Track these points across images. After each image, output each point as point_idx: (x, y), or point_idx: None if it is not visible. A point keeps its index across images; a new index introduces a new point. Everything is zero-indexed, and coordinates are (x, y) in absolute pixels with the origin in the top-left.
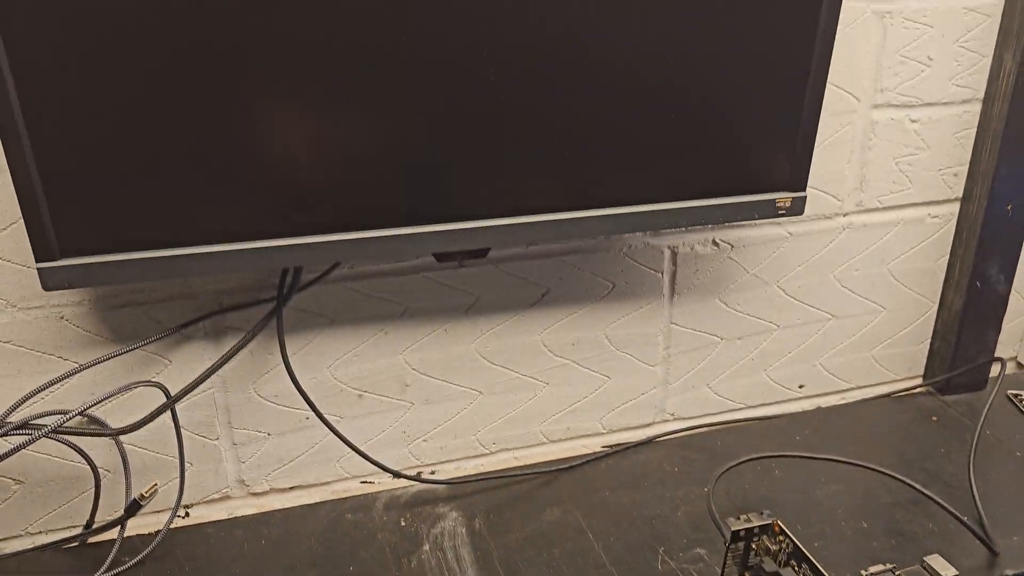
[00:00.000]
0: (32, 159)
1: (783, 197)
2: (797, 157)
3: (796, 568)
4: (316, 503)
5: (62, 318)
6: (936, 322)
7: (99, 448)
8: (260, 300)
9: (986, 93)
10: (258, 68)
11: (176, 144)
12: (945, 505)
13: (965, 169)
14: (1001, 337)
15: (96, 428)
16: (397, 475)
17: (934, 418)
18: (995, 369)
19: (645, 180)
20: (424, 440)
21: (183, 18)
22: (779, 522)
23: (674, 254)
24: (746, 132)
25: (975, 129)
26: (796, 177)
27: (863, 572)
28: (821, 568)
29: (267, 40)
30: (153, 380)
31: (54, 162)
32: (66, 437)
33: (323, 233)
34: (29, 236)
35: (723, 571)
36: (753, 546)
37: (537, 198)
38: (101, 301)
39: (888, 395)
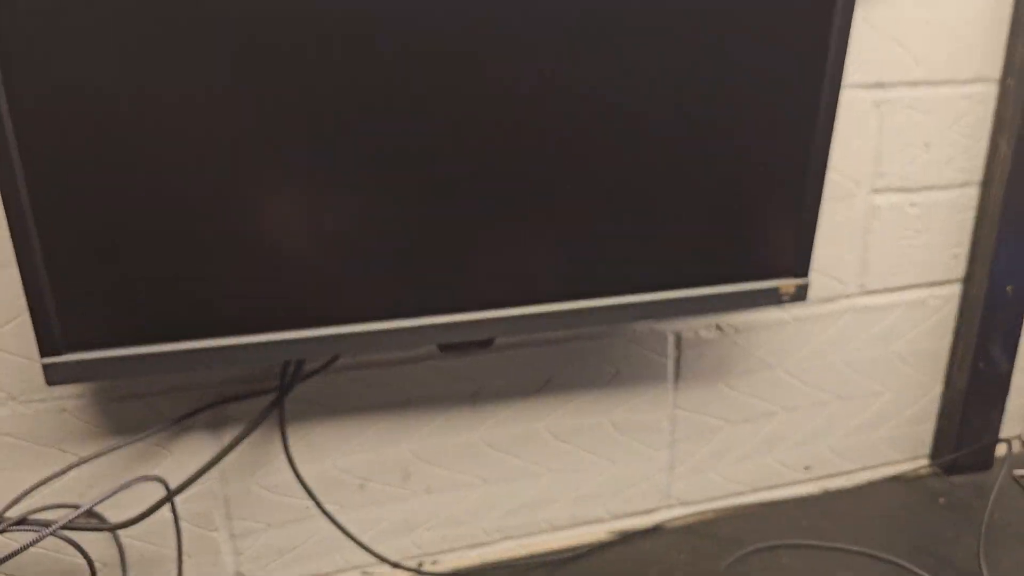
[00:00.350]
0: (40, 255)
1: (786, 284)
2: (799, 243)
3: None
4: None
5: (63, 411)
6: (941, 403)
7: (96, 542)
8: (262, 390)
9: (983, 177)
10: (262, 160)
11: (182, 239)
12: None
13: (965, 251)
14: (1004, 416)
15: (95, 523)
16: (396, 566)
17: (941, 500)
18: (1001, 449)
19: (648, 268)
20: (426, 529)
21: (190, 119)
22: None
23: (678, 339)
24: (749, 220)
25: (974, 212)
26: (799, 263)
27: None
28: None
29: (269, 134)
30: (153, 475)
31: (62, 258)
32: (65, 532)
33: (326, 325)
34: (35, 331)
35: None
36: None
37: (542, 288)
38: (102, 393)
39: (895, 477)
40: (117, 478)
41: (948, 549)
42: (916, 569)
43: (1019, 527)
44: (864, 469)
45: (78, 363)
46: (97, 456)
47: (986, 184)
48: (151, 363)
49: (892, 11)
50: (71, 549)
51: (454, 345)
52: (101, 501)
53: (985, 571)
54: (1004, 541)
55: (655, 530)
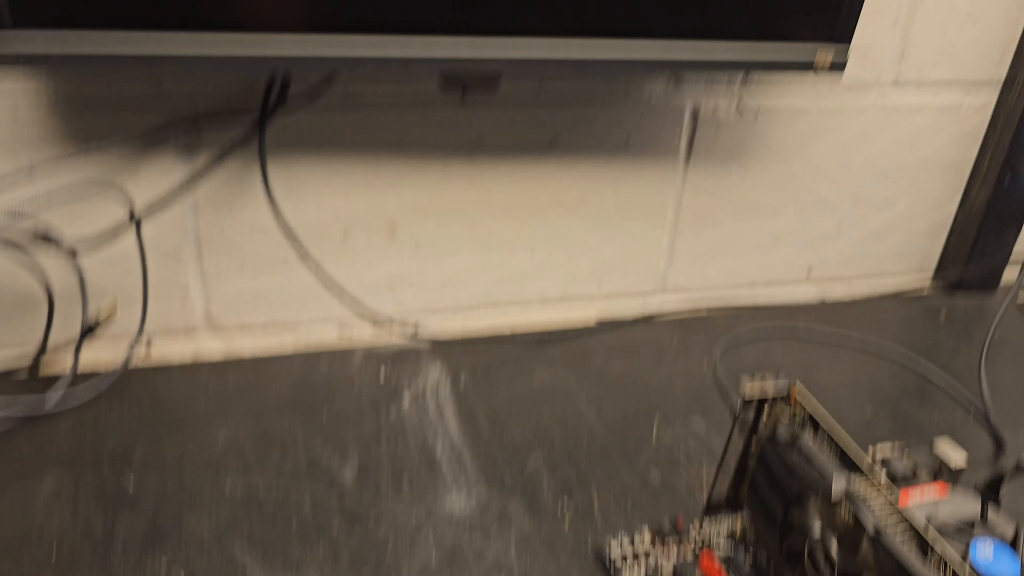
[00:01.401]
0: None
1: (824, 51)
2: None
3: (813, 434)
4: (290, 355)
5: (16, 107)
6: (956, 217)
7: (53, 270)
8: (242, 108)
9: None
10: None
11: None
12: (956, 392)
13: (1011, 55)
14: (1018, 240)
15: (53, 234)
16: (378, 321)
17: (943, 317)
18: (1009, 273)
19: (672, 9)
20: (409, 287)
21: None
22: (800, 385)
23: (695, 115)
24: None
25: None
26: (842, 25)
27: (872, 447)
28: (843, 438)
29: None
30: (115, 182)
31: None
32: (18, 247)
33: (318, 31)
34: None
35: (729, 438)
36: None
37: (554, 18)
38: (62, 93)
39: (896, 293)
40: (78, 195)
41: (947, 359)
42: (914, 368)
43: (1019, 347)
44: (867, 276)
45: (28, 40)
46: (53, 160)
47: None
48: (114, 50)
49: None
50: (26, 276)
51: (458, 78)
52: (57, 208)
53: (984, 380)
54: (1003, 357)
55: (647, 321)
